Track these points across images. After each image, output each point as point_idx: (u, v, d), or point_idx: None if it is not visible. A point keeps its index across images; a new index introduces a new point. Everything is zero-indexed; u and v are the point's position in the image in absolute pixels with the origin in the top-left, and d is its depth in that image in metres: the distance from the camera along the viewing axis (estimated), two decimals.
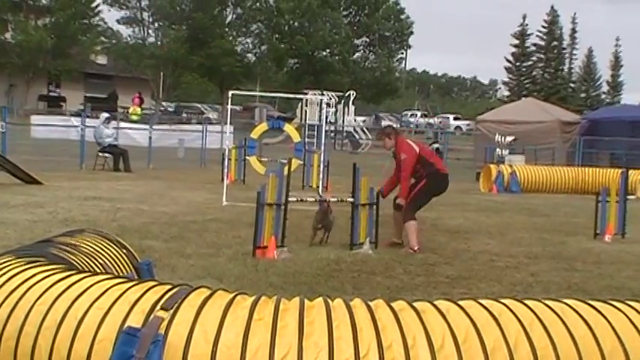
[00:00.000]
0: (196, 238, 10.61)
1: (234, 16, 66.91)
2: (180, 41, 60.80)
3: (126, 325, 3.45)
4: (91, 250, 5.25)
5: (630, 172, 16.15)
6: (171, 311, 3.46)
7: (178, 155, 29.11)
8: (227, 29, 65.90)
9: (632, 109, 39.17)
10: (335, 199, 11.43)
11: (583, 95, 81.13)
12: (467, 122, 66.75)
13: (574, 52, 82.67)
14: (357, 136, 45.70)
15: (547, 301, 3.74)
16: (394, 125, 11.79)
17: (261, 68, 66.40)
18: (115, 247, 5.64)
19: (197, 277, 7.89)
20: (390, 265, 9.41)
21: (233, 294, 3.66)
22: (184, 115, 62.67)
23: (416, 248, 10.45)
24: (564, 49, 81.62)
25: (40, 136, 33.46)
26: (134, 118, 46.55)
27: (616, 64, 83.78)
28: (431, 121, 71.05)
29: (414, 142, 11.43)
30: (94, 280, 3.87)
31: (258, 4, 66.24)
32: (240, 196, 15.03)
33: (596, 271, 9.61)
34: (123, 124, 34.21)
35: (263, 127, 16.91)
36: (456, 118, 75.14)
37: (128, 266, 5.54)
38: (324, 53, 69.44)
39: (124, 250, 5.73)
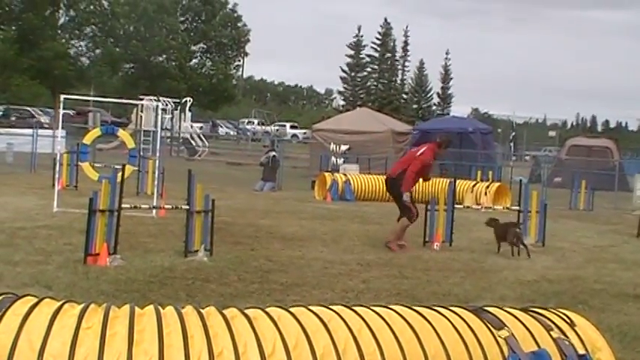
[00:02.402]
0: (25, 245, 10.30)
1: (67, 18, 65.23)
2: (10, 42, 58.73)
3: None
4: None
5: (458, 181, 16.73)
6: None
7: (7, 160, 28.13)
8: (59, 31, 64.14)
9: (460, 121, 40.63)
10: (170, 206, 11.31)
11: (415, 106, 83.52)
12: (303, 131, 67.51)
13: (406, 64, 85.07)
14: (193, 143, 45.40)
15: (375, 308, 3.84)
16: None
17: (95, 72, 64.95)
18: None
19: (25, 285, 7.66)
20: (225, 272, 9.40)
21: (61, 302, 3.58)
22: (13, 118, 60.55)
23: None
24: (397, 60, 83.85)
25: None
26: None
27: (446, 77, 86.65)
28: (268, 129, 71.42)
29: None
30: None
31: (92, 6, 64.79)
32: (72, 203, 14.67)
33: (425, 277, 9.91)
34: None
35: (96, 132, 16.61)
36: (292, 127, 75.87)
37: None
38: (161, 59, 68.72)
39: None
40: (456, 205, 14.07)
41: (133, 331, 3.33)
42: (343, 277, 9.58)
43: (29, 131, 32.40)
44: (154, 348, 3.27)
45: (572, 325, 3.96)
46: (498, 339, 3.72)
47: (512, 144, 55.84)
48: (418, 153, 12.85)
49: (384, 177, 12.12)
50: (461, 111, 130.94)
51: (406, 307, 3.91)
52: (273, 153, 25.90)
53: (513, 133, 59.47)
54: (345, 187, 22.56)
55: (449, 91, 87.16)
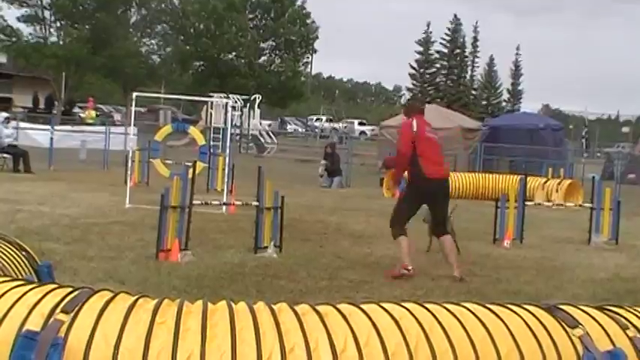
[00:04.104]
0: (98, 241, 10.47)
1: (138, 16, 66.11)
2: (83, 41, 59.73)
3: (24, 329, 3.39)
4: None
5: (529, 178, 16.53)
6: (72, 314, 3.41)
7: (80, 157, 28.62)
8: (131, 30, 65.02)
9: (531, 117, 40.18)
10: (239, 203, 11.39)
11: (484, 102, 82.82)
12: (371, 127, 67.40)
13: (476, 60, 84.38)
14: (262, 140, 45.66)
15: (447, 305, 3.81)
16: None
17: (165, 70, 65.75)
18: (13, 249, 5.52)
19: (99, 280, 7.79)
20: (294, 269, 9.44)
21: (135, 297, 3.63)
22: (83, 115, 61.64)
23: (409, 268, 9.23)
24: (466, 57, 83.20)
25: None
26: (90, 122, 45.99)
27: (516, 73, 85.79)
28: (336, 125, 71.48)
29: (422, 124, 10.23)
30: None
31: (163, 5, 65.57)
32: (144, 199, 14.87)
33: (495, 275, 9.82)
34: (23, 124, 33.43)
35: (167, 129, 16.79)
36: (360, 124, 75.81)
37: (27, 269, 5.43)
38: (230, 56, 69.15)
39: (23, 253, 5.61)
40: (526, 202, 13.91)
41: (205, 326, 3.36)
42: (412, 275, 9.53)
43: (102, 128, 32.94)
44: (227, 344, 3.29)
45: None
46: (573, 338, 3.67)
47: (584, 140, 55.04)
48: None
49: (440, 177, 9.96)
50: (531, 107, 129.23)
51: (478, 304, 3.87)
52: (330, 150, 25.95)
53: (586, 129, 58.60)
54: None
55: (519, 87, 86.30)
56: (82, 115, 52.70)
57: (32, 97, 62.66)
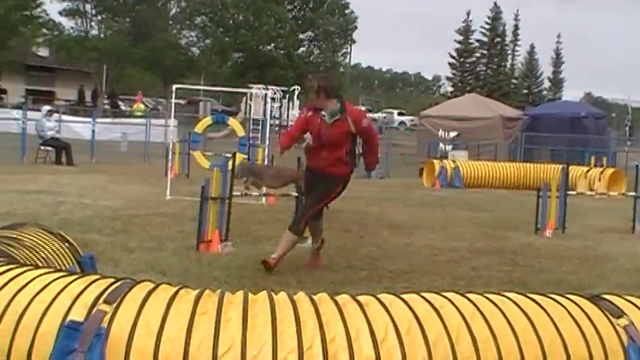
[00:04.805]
0: (140, 232, 10.54)
1: (178, 9, 66.47)
2: (124, 34, 60.22)
3: (68, 319, 3.42)
4: (33, 243, 5.19)
5: (570, 167, 16.38)
6: (114, 305, 3.44)
7: (121, 149, 28.85)
8: (171, 22, 65.43)
9: (573, 105, 39.73)
10: (279, 194, 11.41)
11: (525, 91, 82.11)
12: (411, 118, 67.16)
13: (516, 48, 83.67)
14: None
15: (488, 294, 3.79)
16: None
17: (205, 62, 66.04)
18: (57, 240, 5.59)
19: (140, 271, 7.84)
20: (334, 259, 9.44)
21: (176, 288, 3.65)
22: (127, 108, 62.12)
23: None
24: (507, 45, 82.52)
25: None
26: (138, 114, 46.65)
27: (557, 61, 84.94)
28: (375, 116, 71.32)
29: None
30: (35, 274, 3.83)
31: None
32: (184, 191, 14.96)
33: (537, 265, 9.74)
34: (65, 117, 33.75)
35: (207, 121, 16.85)
36: (400, 114, 75.55)
37: (70, 260, 5.49)
38: (269, 47, 69.27)
39: (66, 244, 5.67)
40: (568, 192, 13.78)
41: (247, 316, 3.37)
42: (452, 265, 9.50)
43: (142, 121, 33.18)
44: (268, 334, 3.30)
45: None
46: (617, 327, 3.63)
47: (627, 128, 54.40)
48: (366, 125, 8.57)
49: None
50: (573, 95, 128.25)
51: (520, 294, 3.85)
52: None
53: (629, 117, 57.91)
54: (453, 173, 22.39)
55: (560, 76, 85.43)
56: (129, 108, 53.44)
57: (78, 90, 63.28)
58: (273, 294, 3.63)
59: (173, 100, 18.13)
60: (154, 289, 3.59)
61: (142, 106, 51.64)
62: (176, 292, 3.56)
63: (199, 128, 16.44)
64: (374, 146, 8.83)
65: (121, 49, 59.18)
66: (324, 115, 8.23)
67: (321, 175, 8.44)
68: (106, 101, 63.03)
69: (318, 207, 8.69)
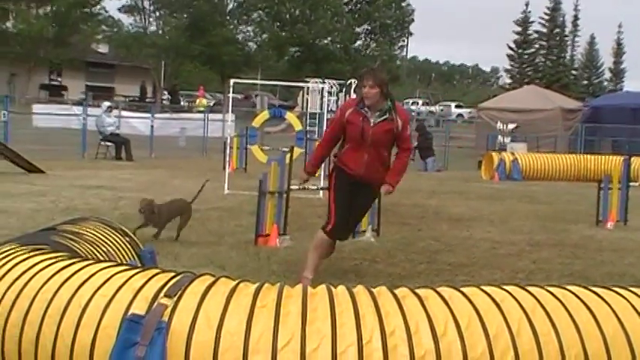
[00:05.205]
0: (198, 227, 10.62)
1: (235, 4, 66.80)
2: (181, 30, 60.71)
3: (129, 313, 3.47)
4: (94, 238, 5.26)
5: (632, 159, 16.13)
6: (175, 298, 3.48)
7: (180, 144, 29.10)
8: (228, 17, 65.79)
9: (635, 96, 39.08)
10: None
11: (585, 82, 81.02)
12: (468, 110, 66.65)
13: (576, 39, 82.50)
14: None
15: (549, 288, 3.75)
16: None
17: (262, 57, 66.30)
18: (118, 234, 5.65)
19: (200, 265, 7.91)
20: (393, 252, 9.42)
21: (236, 281, 3.67)
22: (185, 103, 62.65)
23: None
24: (566, 36, 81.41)
25: (41, 124, 33.40)
26: (201, 109, 47.31)
27: (618, 51, 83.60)
28: (432, 109, 70.96)
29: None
30: (97, 268, 3.88)
31: None
32: (242, 185, 15.04)
33: (598, 258, 9.62)
34: (124, 113, 34.14)
35: (264, 115, 16.91)
36: (457, 106, 75.02)
37: (131, 254, 5.55)
38: (325, 41, 69.31)
39: (127, 238, 5.74)
40: (630, 184, 13.58)
41: (306, 310, 3.38)
42: (512, 258, 9.42)
43: (200, 116, 33.42)
44: (327, 327, 3.31)
45: None
46: None
47: None
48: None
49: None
50: (634, 86, 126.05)
51: (581, 287, 3.80)
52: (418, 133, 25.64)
53: None
54: (512, 166, 22.20)
55: (621, 66, 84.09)
56: (187, 103, 54.11)
57: (140, 86, 64.06)
58: (332, 287, 3.63)
59: (231, 95, 18.21)
60: (214, 282, 3.61)
61: (204, 101, 52.22)
62: (236, 286, 3.58)
63: (257, 123, 16.51)
64: (405, 161, 7.68)
65: (179, 45, 59.70)
66: (366, 111, 7.27)
67: (361, 183, 7.42)
68: (166, 96, 63.67)
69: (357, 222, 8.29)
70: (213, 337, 3.30)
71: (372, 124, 7.27)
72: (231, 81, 16.48)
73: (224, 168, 16.99)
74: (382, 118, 7.30)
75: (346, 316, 3.36)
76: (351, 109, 7.38)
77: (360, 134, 7.29)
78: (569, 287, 3.78)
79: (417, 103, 77.99)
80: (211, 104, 55.09)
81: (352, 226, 8.13)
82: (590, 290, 3.74)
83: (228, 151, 17.37)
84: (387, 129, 7.33)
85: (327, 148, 7.74)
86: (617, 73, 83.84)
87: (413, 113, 67.69)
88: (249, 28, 67.53)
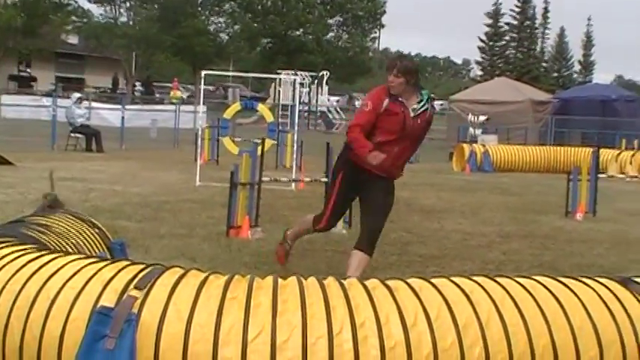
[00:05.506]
0: (170, 219, 10.59)
1: None
2: (152, 20, 60.39)
3: (99, 305, 3.45)
4: (64, 230, 5.23)
5: (601, 150, 16.26)
6: (145, 290, 3.46)
7: (151, 135, 28.98)
8: (199, 8, 65.52)
9: (603, 88, 39.40)
10: (308, 179, 11.41)
11: (555, 75, 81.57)
12: (440, 102, 66.85)
13: (546, 31, 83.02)
14: (330, 116, 45.69)
15: (518, 279, 3.78)
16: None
17: (234, 48, 66.13)
18: (87, 227, 5.63)
19: (170, 257, 7.88)
20: None
21: (206, 273, 3.66)
22: (158, 95, 62.38)
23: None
24: (537, 28, 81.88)
25: (10, 116, 33.19)
26: (174, 101, 47.13)
27: (588, 44, 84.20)
28: None
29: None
30: (66, 260, 3.86)
31: None
32: (214, 177, 15.01)
33: (567, 249, 9.69)
34: (95, 104, 33.94)
35: (236, 107, 16.88)
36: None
37: (101, 246, 5.53)
38: (298, 33, 69.23)
39: (97, 230, 5.71)
40: (599, 175, 13.69)
41: (276, 301, 3.38)
42: (483, 249, 9.47)
43: (172, 107, 33.31)
44: (298, 318, 3.31)
45: None
46: None
47: None
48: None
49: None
50: (604, 78, 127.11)
51: (550, 277, 3.83)
52: None
53: None
54: (483, 158, 22.32)
55: (591, 59, 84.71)
56: (159, 94, 54.00)
57: (112, 77, 63.68)
58: (302, 279, 3.63)
59: (202, 87, 18.15)
60: (184, 274, 3.60)
61: (178, 93, 52.02)
62: (206, 278, 3.57)
63: (228, 114, 16.47)
64: (415, 149, 7.46)
65: (150, 36, 59.38)
66: (402, 101, 6.76)
67: (379, 177, 6.99)
68: (140, 88, 63.35)
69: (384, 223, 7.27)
70: (183, 329, 3.29)
71: (413, 116, 6.81)
72: (203, 72, 16.42)
73: (195, 160, 16.95)
74: (423, 109, 6.87)
75: (317, 308, 3.37)
76: (387, 98, 6.76)
77: (402, 126, 6.77)
78: (537, 278, 3.81)
79: None
80: (185, 96, 54.97)
81: (378, 234, 7.25)
82: (559, 281, 3.77)
83: (199, 143, 17.31)
84: (426, 120, 6.97)
85: (365, 137, 6.80)
86: (587, 66, 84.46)
87: None
88: (221, 19, 67.33)
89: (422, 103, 6.83)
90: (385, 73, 6.87)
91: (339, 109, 47.90)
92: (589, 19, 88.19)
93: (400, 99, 6.74)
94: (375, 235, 7.16)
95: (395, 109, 6.73)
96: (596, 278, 3.87)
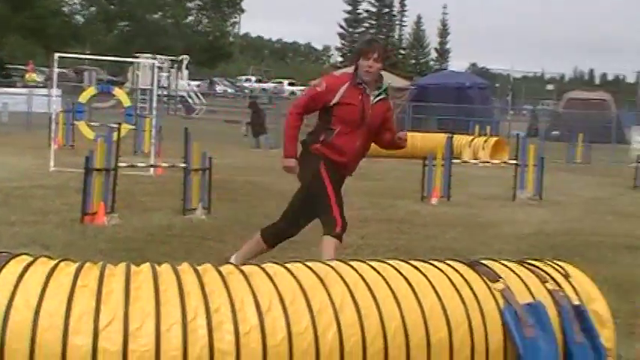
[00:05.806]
0: (21, 205, 10.29)
1: None
2: (2, 1, 58.37)
3: None
4: None
5: (456, 136, 16.70)
6: None
7: (2, 119, 28.05)
8: None
9: (458, 75, 40.54)
10: (167, 165, 11.29)
11: (413, 62, 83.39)
12: (301, 88, 67.29)
13: (404, 19, 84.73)
14: (190, 101, 45.30)
15: (371, 262, 3.84)
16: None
17: (90, 30, 64.66)
18: None
19: (22, 244, 7.65)
20: (223, 230, 9.41)
21: (56, 261, 3.57)
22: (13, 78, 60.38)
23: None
24: (395, 16, 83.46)
25: None
26: (31, 84, 45.50)
27: (444, 32, 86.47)
28: (265, 86, 71.18)
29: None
30: None
31: None
32: (69, 162, 14.65)
33: (423, 232, 9.93)
34: None
35: (91, 91, 16.55)
36: (290, 84, 75.59)
37: None
38: (156, 16, 68.32)
39: None
40: (453, 160, 14.07)
41: (129, 288, 3.33)
42: None
43: (24, 90, 32.31)
44: (151, 305, 3.27)
45: (566, 276, 3.97)
46: (494, 291, 3.74)
47: (509, 98, 55.77)
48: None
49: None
50: (458, 66, 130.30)
51: (402, 261, 3.92)
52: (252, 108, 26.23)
53: (511, 87, 59.38)
54: None
55: (446, 46, 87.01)
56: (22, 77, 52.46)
57: None
58: (156, 265, 3.59)
59: (55, 69, 17.67)
60: (32, 262, 3.50)
61: (34, 76, 50.45)
62: (55, 265, 3.48)
63: (83, 98, 16.15)
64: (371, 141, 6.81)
65: (0, 16, 57.37)
66: (365, 88, 6.24)
67: (345, 173, 6.83)
68: None
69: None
70: (31, 318, 3.20)
71: (372, 104, 6.31)
72: (56, 55, 15.98)
73: (49, 144, 16.50)
74: (380, 98, 6.37)
75: (171, 294, 3.34)
76: (346, 84, 6.22)
77: (361, 116, 6.26)
78: (390, 261, 3.88)
79: (250, 80, 78.09)
80: (41, 79, 53.37)
81: (304, 224, 7.06)
82: (410, 264, 3.86)
83: (53, 127, 16.86)
84: (385, 109, 6.48)
85: (299, 128, 6.59)
86: (443, 53, 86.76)
87: (246, 90, 67.77)
88: (76, 1, 65.72)
89: (379, 91, 6.37)
90: (363, 56, 6.19)
91: (199, 94, 47.51)
92: (444, 8, 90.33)
93: (363, 85, 6.23)
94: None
95: (352, 97, 6.21)
96: (446, 261, 3.97)
